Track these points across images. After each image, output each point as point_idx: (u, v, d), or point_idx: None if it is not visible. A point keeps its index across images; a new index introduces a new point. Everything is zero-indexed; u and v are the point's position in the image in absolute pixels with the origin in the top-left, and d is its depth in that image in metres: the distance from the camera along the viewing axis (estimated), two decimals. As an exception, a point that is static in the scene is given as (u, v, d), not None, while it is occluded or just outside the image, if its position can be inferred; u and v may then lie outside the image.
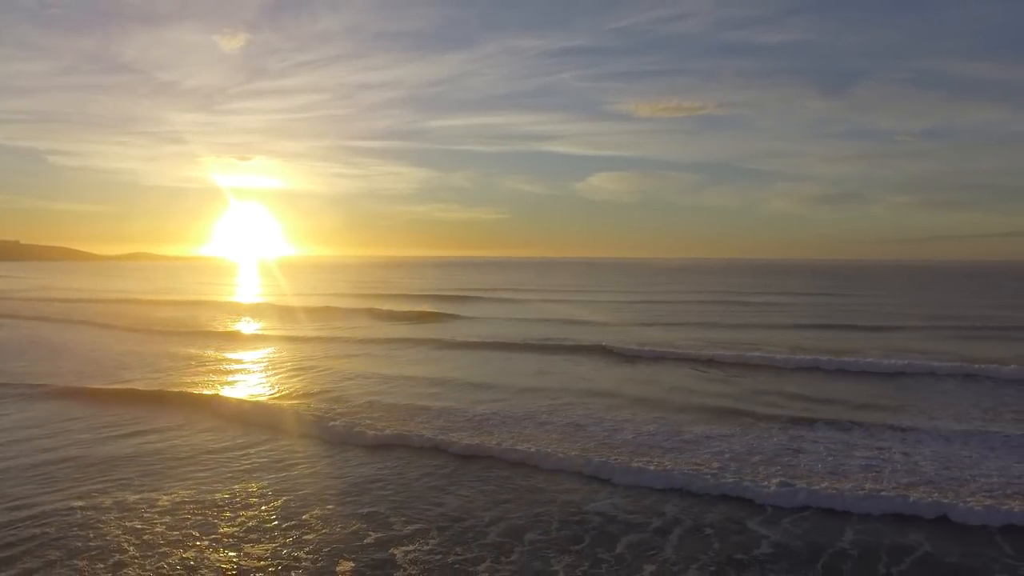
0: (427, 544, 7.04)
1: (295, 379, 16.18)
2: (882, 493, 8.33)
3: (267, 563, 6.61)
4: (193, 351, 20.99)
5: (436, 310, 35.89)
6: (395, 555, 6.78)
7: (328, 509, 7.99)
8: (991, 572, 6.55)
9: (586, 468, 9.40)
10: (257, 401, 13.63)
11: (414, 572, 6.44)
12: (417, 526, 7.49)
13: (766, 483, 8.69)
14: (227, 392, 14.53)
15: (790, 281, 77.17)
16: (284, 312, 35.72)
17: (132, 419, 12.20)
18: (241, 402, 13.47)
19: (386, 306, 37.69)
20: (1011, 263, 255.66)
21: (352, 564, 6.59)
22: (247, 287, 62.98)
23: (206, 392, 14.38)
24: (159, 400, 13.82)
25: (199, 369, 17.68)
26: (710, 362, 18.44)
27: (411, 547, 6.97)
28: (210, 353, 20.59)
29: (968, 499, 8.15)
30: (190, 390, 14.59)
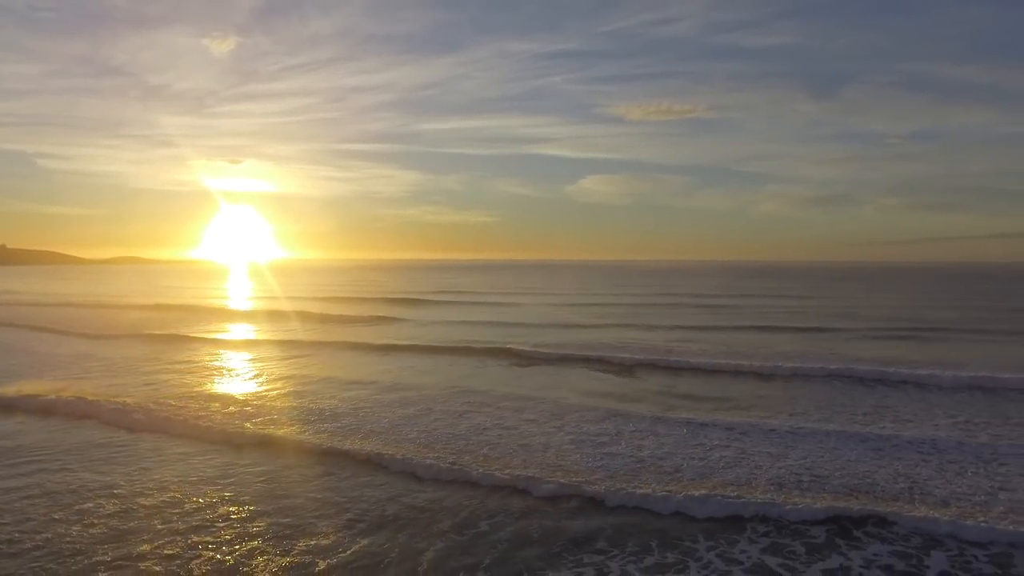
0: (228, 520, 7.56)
1: (181, 379, 16.66)
2: (635, 490, 8.87)
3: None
4: (109, 352, 21.48)
5: (388, 314, 36.41)
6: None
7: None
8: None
9: (379, 459, 10.13)
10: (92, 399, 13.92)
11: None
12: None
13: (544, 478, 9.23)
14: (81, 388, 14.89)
15: (763, 283, 77.79)
16: (235, 315, 36.23)
17: None
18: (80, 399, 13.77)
19: (341, 310, 38.28)
20: (998, 265, 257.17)
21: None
22: (216, 290, 63.32)
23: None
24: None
25: (91, 368, 18.17)
26: (600, 361, 19.07)
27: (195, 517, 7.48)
28: (121, 353, 21.10)
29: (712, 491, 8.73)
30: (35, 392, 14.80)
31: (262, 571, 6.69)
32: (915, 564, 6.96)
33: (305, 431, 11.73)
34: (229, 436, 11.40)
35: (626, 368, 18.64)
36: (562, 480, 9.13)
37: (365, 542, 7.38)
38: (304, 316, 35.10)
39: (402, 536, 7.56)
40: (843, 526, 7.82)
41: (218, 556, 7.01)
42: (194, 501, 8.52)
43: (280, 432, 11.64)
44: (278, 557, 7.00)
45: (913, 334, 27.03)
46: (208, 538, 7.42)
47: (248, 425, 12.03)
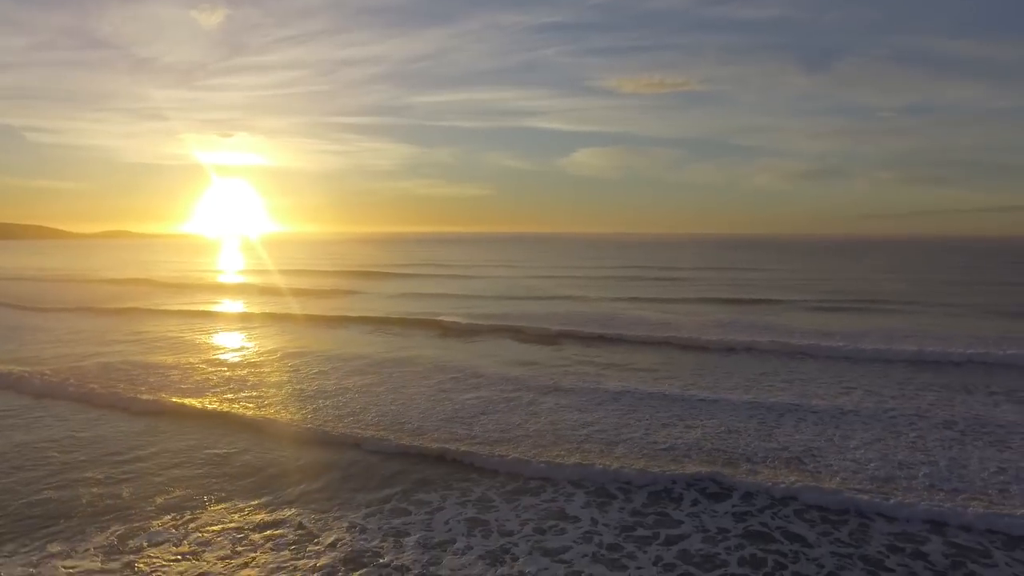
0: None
1: (112, 348, 17.04)
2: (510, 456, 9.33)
3: None
4: (56, 325, 21.87)
5: (351, 287, 36.78)
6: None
7: None
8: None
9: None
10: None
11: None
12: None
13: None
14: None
15: (738, 256, 78.21)
16: (201, 288, 36.51)
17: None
18: None
19: (307, 283, 38.73)
20: (987, 239, 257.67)
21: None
22: (194, 264, 63.48)
23: None
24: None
25: (28, 340, 18.55)
26: (520, 331, 19.55)
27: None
28: (67, 326, 21.46)
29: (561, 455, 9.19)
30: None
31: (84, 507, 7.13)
32: (739, 524, 7.44)
33: (198, 398, 12.14)
34: (115, 402, 11.81)
35: (548, 337, 19.05)
36: (379, 434, 9.60)
37: (172, 477, 7.83)
38: (266, 289, 35.45)
39: (213, 479, 8.00)
40: (675, 489, 8.23)
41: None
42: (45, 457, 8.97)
43: (171, 398, 12.04)
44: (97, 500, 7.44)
45: (856, 306, 27.42)
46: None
47: (143, 392, 12.41)
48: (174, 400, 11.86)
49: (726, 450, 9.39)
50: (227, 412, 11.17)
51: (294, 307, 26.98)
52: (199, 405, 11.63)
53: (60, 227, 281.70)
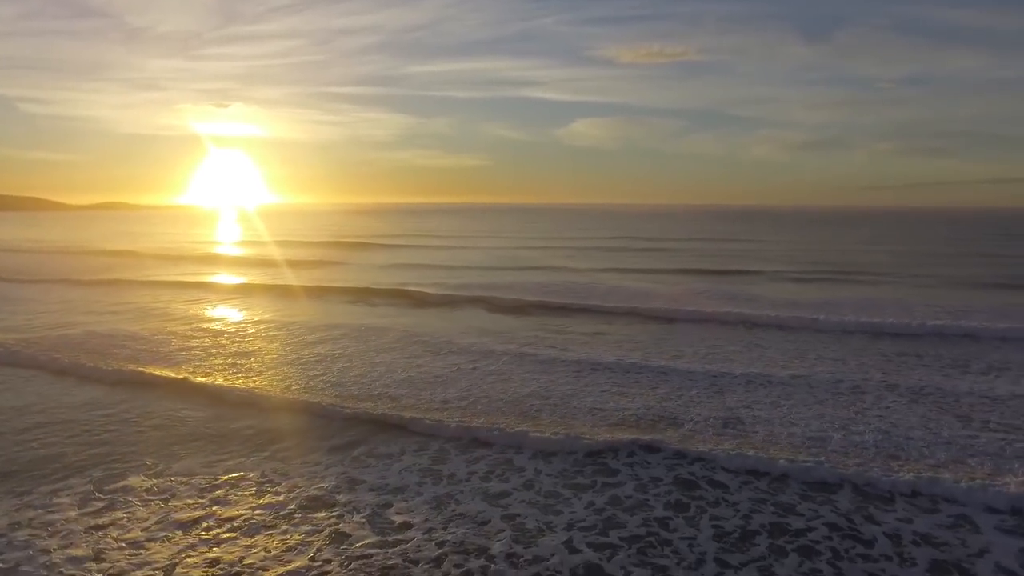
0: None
1: (75, 319, 17.55)
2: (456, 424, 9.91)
3: None
4: (28, 295, 22.39)
5: (331, 258, 37.26)
6: None
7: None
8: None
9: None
10: None
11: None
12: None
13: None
14: None
15: (727, 227, 78.78)
16: (183, 259, 36.92)
17: None
18: None
19: (291, 253, 39.19)
20: (986, 210, 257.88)
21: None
22: (182, 235, 63.68)
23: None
24: None
25: None
26: (493, 302, 20.21)
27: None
28: (37, 297, 21.99)
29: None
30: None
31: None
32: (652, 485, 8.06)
33: (166, 367, 12.70)
34: (84, 372, 12.30)
35: (521, 307, 19.58)
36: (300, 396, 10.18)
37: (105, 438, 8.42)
38: (252, 261, 35.93)
39: (180, 441, 8.60)
40: (603, 455, 8.67)
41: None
42: None
43: (138, 367, 12.58)
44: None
45: (832, 277, 27.96)
46: None
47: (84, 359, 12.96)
48: (141, 369, 12.24)
49: (668, 416, 9.88)
50: (192, 380, 11.60)
51: (277, 278, 27.47)
52: (167, 374, 12.08)
53: (55, 199, 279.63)
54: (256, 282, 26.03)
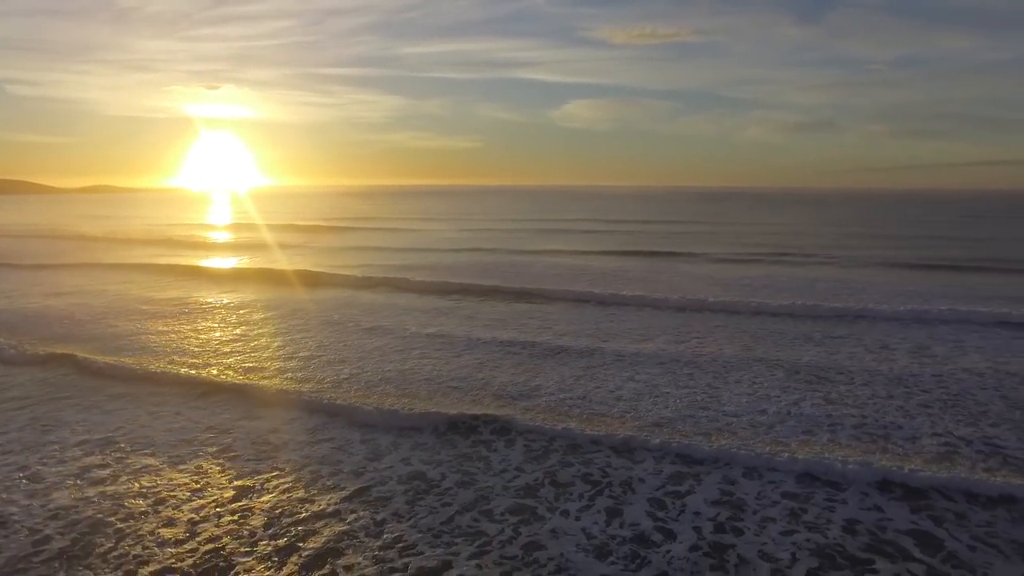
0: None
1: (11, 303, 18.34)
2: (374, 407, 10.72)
3: None
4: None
5: (294, 240, 37.99)
6: None
7: None
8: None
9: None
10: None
11: None
12: None
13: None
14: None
15: (696, 208, 79.72)
16: (145, 243, 37.62)
17: None
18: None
19: (253, 236, 40.07)
20: (978, 192, 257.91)
21: None
22: (155, 219, 64.25)
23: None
24: None
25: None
26: (414, 284, 21.00)
27: None
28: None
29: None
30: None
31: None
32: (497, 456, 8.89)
33: (76, 346, 13.50)
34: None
35: (440, 289, 20.27)
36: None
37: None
38: (207, 245, 36.70)
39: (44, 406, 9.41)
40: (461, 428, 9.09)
41: None
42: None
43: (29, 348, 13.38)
44: None
45: (769, 258, 28.29)
46: None
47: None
48: (73, 352, 12.85)
49: (524, 394, 10.55)
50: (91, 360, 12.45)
51: (223, 260, 28.22)
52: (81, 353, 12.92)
53: (45, 182, 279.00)
54: (182, 263, 26.83)
